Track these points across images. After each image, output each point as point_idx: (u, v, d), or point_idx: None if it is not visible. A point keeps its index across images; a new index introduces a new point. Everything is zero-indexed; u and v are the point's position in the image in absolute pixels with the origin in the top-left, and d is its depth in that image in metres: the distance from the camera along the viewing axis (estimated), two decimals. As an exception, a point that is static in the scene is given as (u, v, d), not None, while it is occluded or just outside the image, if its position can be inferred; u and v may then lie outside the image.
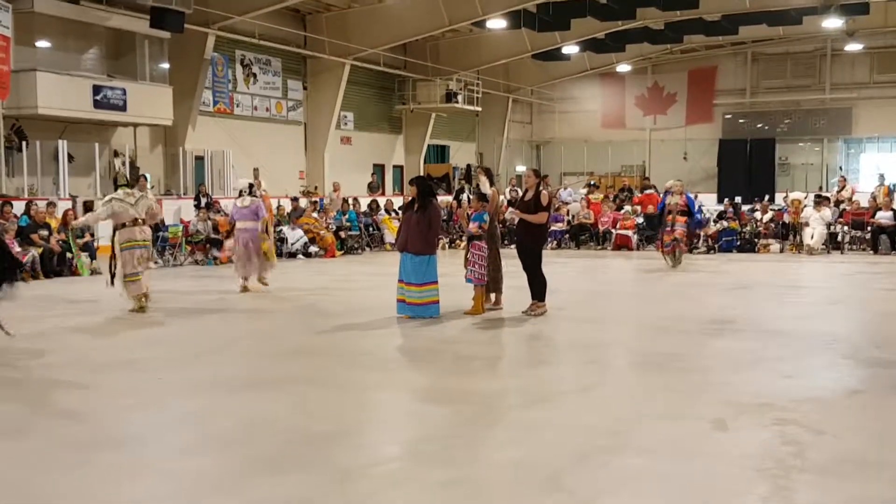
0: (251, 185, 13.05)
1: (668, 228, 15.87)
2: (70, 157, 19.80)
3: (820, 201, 19.94)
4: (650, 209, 21.12)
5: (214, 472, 4.68)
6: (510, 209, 10.84)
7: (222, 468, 4.76)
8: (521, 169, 34.49)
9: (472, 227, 10.25)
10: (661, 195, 18.45)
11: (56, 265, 14.84)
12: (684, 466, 4.72)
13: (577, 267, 16.91)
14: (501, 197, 11.54)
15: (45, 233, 14.97)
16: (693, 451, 5.00)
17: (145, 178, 17.20)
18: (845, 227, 19.80)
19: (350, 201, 22.45)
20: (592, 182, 25.56)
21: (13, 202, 16.21)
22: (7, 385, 6.82)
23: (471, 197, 11.91)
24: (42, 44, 19.99)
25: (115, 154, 21.16)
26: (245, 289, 12.67)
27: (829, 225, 19.38)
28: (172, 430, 5.58)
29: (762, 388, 6.44)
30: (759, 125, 36.70)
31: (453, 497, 4.33)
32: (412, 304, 9.75)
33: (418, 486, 4.48)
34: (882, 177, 25.73)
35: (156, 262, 16.64)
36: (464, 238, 12.68)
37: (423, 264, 9.70)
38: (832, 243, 19.41)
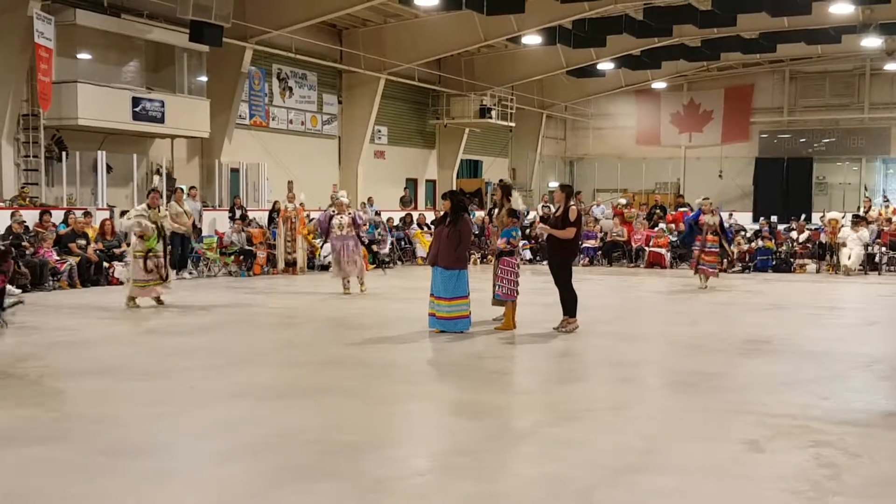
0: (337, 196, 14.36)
1: (704, 249, 15.59)
2: (109, 168, 20.08)
3: (857, 221, 19.67)
4: (682, 227, 20.94)
5: (244, 481, 4.70)
6: (540, 225, 10.85)
7: (252, 477, 4.77)
8: (553, 185, 34.39)
9: (500, 242, 10.26)
10: (692, 211, 18.18)
11: (93, 274, 15.03)
12: (717, 487, 4.65)
13: (609, 284, 16.81)
14: (533, 213, 11.61)
15: (82, 242, 15.18)
16: (727, 471, 4.93)
17: (182, 190, 17.37)
18: (883, 248, 19.50)
19: (365, 209, 22.20)
20: (627, 200, 25.40)
21: (52, 211, 16.46)
22: (38, 392, 6.91)
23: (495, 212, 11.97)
24: (83, 56, 20.34)
25: (157, 171, 21.42)
26: (348, 291, 13.85)
27: (866, 245, 19.10)
28: (202, 438, 5.61)
29: (798, 409, 6.34)
30: (796, 144, 36.35)
31: (482, 512, 4.31)
32: (442, 319, 9.75)
33: (448, 499, 4.46)
34: None
35: (190, 273, 16.82)
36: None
37: (452, 279, 9.70)
38: (870, 264, 19.13)
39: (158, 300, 12.32)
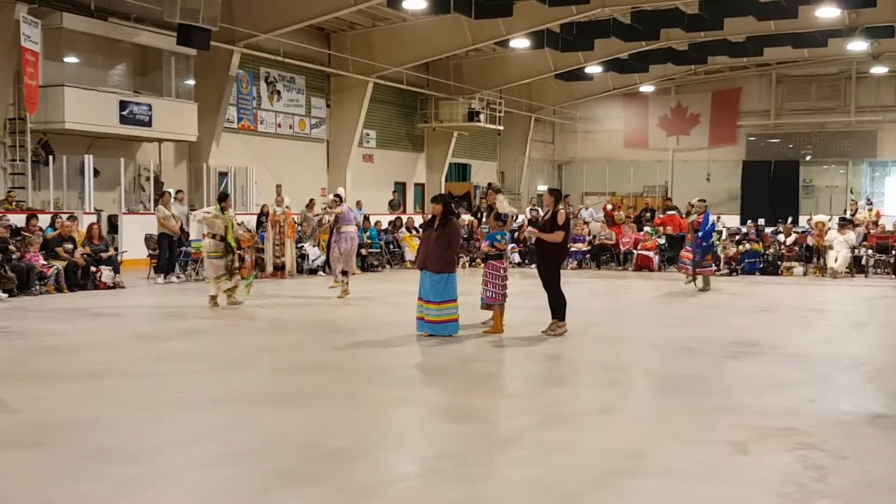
0: (337, 195, 14.40)
1: (688, 248, 15.74)
2: (96, 172, 20.01)
3: (844, 224, 19.77)
4: (669, 230, 21.01)
5: (231, 486, 4.68)
6: (529, 228, 10.88)
7: (238, 482, 4.76)
8: (542, 188, 34.48)
9: (485, 245, 10.31)
10: (681, 215, 18.19)
11: (80, 278, 14.96)
12: (705, 489, 4.67)
13: (597, 287, 16.85)
14: (522, 217, 11.60)
15: (69, 246, 15.11)
16: (714, 474, 4.95)
17: (169, 194, 17.33)
18: (869, 251, 19.61)
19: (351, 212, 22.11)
20: (612, 205, 25.48)
21: (39, 215, 16.39)
22: (23, 396, 6.87)
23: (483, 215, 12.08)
24: (70, 59, 20.28)
25: (147, 179, 21.33)
26: (346, 292, 13.88)
27: (853, 248, 19.20)
28: (189, 443, 5.59)
29: (784, 411, 6.37)
30: (783, 147, 36.53)
31: (470, 516, 4.31)
32: (431, 322, 9.74)
33: (435, 504, 4.46)
34: None
35: (178, 277, 16.78)
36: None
37: (441, 282, 9.71)
38: (856, 267, 19.23)
39: (233, 299, 12.67)
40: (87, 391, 7.08)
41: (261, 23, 22.74)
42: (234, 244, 12.73)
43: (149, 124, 20.96)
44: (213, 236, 12.66)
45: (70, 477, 4.82)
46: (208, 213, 12.98)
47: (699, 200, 16.40)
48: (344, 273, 14.13)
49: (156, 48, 21.52)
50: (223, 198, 13.16)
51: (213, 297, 12.64)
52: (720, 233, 19.97)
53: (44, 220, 16.37)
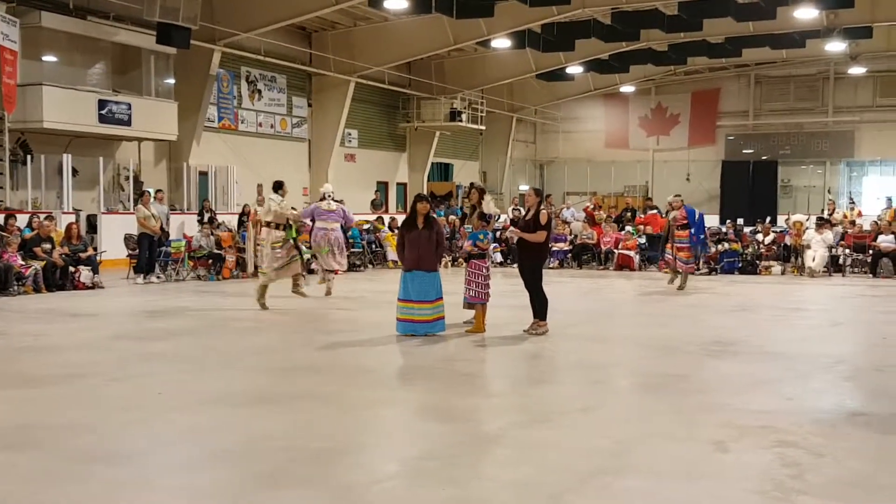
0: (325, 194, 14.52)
1: (672, 245, 15.69)
2: (74, 171, 19.87)
3: (822, 224, 19.96)
4: (650, 229, 21.14)
5: (214, 488, 4.68)
6: (511, 228, 10.90)
7: (222, 484, 4.76)
8: (524, 188, 34.56)
9: (467, 245, 10.34)
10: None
11: (59, 279, 14.86)
12: (685, 488, 4.72)
13: (579, 286, 16.92)
14: (504, 216, 11.56)
15: (48, 246, 15.01)
16: (694, 472, 5.00)
17: (149, 194, 17.24)
18: (847, 250, 19.81)
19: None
20: (590, 205, 25.56)
21: (17, 215, 16.26)
22: (5, 397, 6.83)
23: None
24: (48, 58, 20.13)
25: (137, 183, 21.13)
26: (329, 291, 13.95)
27: (830, 248, 19.38)
28: (172, 445, 5.58)
29: (763, 409, 6.44)
30: (761, 147, 36.82)
31: (453, 516, 4.33)
32: (422, 322, 9.71)
33: (419, 505, 4.48)
34: (890, 200, 25.84)
35: (158, 277, 16.70)
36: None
37: (434, 281, 9.75)
38: (833, 266, 19.42)
39: (298, 289, 12.73)
40: (69, 392, 7.04)
41: (241, 22, 22.66)
42: (295, 233, 12.71)
43: (128, 123, 20.84)
44: (278, 226, 12.44)
45: (52, 479, 4.80)
46: (274, 201, 12.65)
47: (675, 196, 16.44)
48: (329, 270, 14.23)
49: (135, 47, 21.41)
50: (279, 185, 13.00)
51: (263, 289, 12.30)
52: (702, 226, 20.01)
53: (22, 220, 16.25)
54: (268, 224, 12.53)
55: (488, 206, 10.81)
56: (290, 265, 12.59)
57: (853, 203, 27.78)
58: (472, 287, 10.12)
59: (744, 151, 36.78)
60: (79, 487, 4.67)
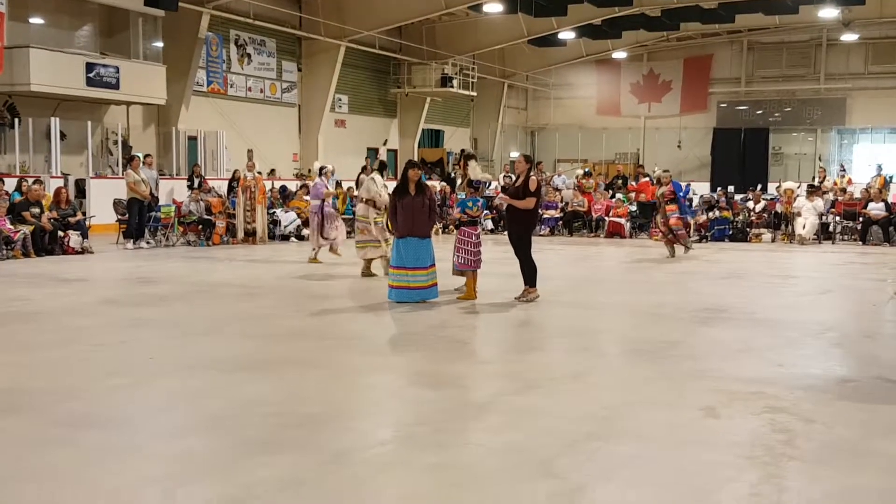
0: (321, 168, 14.33)
1: (662, 220, 15.78)
2: (62, 135, 19.69)
3: (812, 191, 19.98)
4: (642, 197, 21.13)
5: (206, 454, 4.67)
6: (500, 195, 10.86)
7: (214, 449, 4.74)
8: (514, 155, 34.47)
9: (456, 212, 10.31)
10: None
11: (47, 243, 14.77)
12: (675, 453, 4.73)
13: (569, 254, 16.93)
14: (495, 183, 11.48)
15: (36, 210, 14.90)
16: (684, 438, 5.01)
17: (139, 158, 17.10)
18: (837, 218, 19.85)
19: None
20: (587, 170, 25.46)
21: (4, 179, 16.12)
22: (-3, 363, 6.80)
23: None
24: (35, 20, 19.87)
25: (126, 147, 20.88)
26: (315, 259, 13.98)
27: (820, 215, 19.42)
28: (163, 410, 5.56)
29: (753, 376, 6.46)
30: (753, 114, 36.73)
31: (444, 481, 4.33)
32: (418, 288, 9.70)
33: (409, 470, 4.48)
34: (880, 167, 25.86)
35: (148, 243, 16.63)
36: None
37: (428, 247, 9.75)
38: (824, 233, 19.46)
39: (369, 271, 12.38)
40: (57, 357, 7.01)
41: (230, -16, 22.40)
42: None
43: (116, 87, 20.63)
44: (367, 201, 12.31)
45: (39, 444, 4.78)
46: (376, 183, 12.40)
47: (664, 171, 16.62)
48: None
49: (123, 9, 21.14)
50: (384, 166, 13.23)
51: (368, 262, 12.30)
52: (691, 200, 20.14)
53: (10, 185, 16.11)
54: (365, 201, 12.36)
55: (474, 171, 10.76)
56: (372, 247, 12.37)
57: (843, 171, 27.81)
58: (461, 254, 10.09)
59: (735, 119, 36.68)
60: (66, 452, 4.65)
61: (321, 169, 14.28)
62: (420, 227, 9.72)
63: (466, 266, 10.11)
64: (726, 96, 37.08)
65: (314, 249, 14.13)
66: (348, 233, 14.98)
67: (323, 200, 13.90)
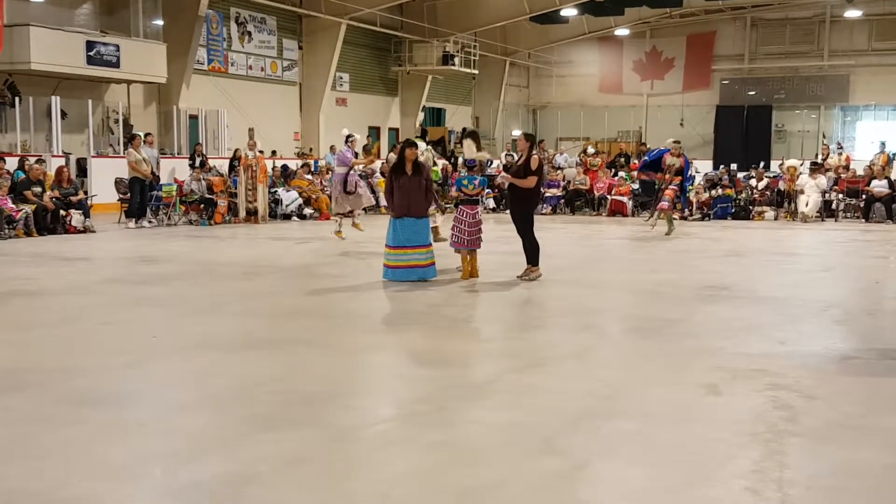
0: (348, 136, 14.26)
1: (665, 187, 15.75)
2: (63, 114, 19.64)
3: (815, 169, 19.93)
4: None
5: (210, 431, 4.69)
6: (502, 174, 10.82)
7: (218, 427, 4.77)
8: (516, 133, 34.35)
9: (453, 191, 10.30)
10: (648, 152, 18.33)
11: (49, 222, 14.77)
12: (677, 431, 4.74)
13: (571, 232, 16.91)
14: (497, 162, 11.48)
15: (38, 189, 14.90)
16: (686, 415, 5.03)
17: (140, 137, 17.06)
18: (840, 195, 19.80)
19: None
20: (594, 150, 25.24)
21: (6, 158, 16.10)
22: (0, 342, 6.82)
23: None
24: (35, -2, 19.76)
25: (126, 126, 20.77)
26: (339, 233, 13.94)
27: (823, 193, 19.38)
28: (167, 388, 5.59)
29: (756, 353, 6.47)
30: (756, 92, 36.57)
31: (447, 458, 4.35)
32: (417, 267, 9.70)
33: (412, 447, 4.50)
34: (883, 144, 25.74)
35: (150, 222, 16.62)
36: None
37: (425, 225, 9.74)
38: (826, 211, 19.43)
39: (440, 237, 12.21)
40: (61, 336, 7.03)
41: (230, -39, 22.25)
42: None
43: (117, 65, 20.56)
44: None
45: (45, 422, 4.81)
46: (433, 153, 12.55)
47: (674, 142, 16.31)
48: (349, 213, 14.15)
49: (123, -14, 21.02)
50: (424, 133, 12.93)
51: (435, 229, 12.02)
52: (693, 178, 20.09)
53: (11, 164, 16.09)
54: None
55: (469, 150, 10.71)
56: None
57: (841, 148, 27.65)
58: (454, 232, 10.05)
59: (738, 96, 36.52)
60: (72, 430, 4.68)
61: (348, 137, 14.18)
62: (417, 207, 9.70)
63: (459, 245, 10.05)
64: (729, 73, 36.90)
65: (337, 222, 14.06)
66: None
67: (350, 168, 13.76)
